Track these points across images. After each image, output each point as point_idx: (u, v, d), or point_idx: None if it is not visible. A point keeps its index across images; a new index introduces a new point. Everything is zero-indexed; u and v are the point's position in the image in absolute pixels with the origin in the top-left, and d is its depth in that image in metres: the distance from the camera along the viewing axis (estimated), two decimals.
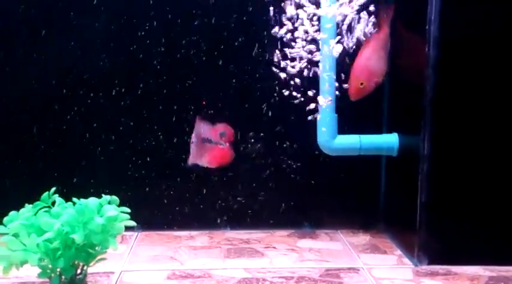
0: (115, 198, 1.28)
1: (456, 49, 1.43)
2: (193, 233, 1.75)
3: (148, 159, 1.75)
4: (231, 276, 1.40)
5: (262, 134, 1.74)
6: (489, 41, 1.42)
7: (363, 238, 1.72)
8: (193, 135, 1.70)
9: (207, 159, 1.71)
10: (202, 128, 1.70)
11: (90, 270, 1.37)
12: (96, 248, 1.24)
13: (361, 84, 1.63)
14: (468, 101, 1.44)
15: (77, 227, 1.17)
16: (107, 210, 1.22)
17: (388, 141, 1.65)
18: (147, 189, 1.76)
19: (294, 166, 1.77)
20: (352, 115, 1.69)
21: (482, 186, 1.46)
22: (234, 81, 1.72)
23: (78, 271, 1.25)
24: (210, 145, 1.71)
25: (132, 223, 1.26)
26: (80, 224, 1.17)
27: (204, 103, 1.74)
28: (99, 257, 1.25)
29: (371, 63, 1.64)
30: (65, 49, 1.69)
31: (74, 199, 1.25)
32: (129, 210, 1.27)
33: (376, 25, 1.65)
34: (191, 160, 1.71)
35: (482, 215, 1.46)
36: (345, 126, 1.65)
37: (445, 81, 1.43)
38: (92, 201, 1.23)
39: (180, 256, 1.55)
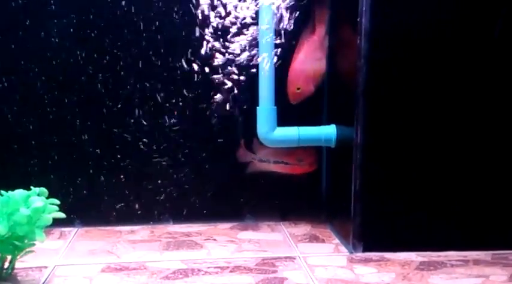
0: (44, 189, 1.26)
1: (387, 41, 1.46)
2: (135, 228, 1.74)
3: (89, 155, 1.73)
4: (167, 268, 1.39)
5: (202, 126, 1.75)
6: (419, 33, 1.46)
7: (304, 229, 1.74)
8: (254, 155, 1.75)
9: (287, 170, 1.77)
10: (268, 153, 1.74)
11: (22, 265, 1.35)
12: (24, 241, 1.22)
13: (298, 88, 1.67)
14: (399, 92, 1.48)
15: (1, 218, 1.15)
16: (34, 201, 1.20)
17: (326, 132, 1.68)
18: (88, 184, 1.74)
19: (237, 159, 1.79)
20: (293, 107, 1.72)
21: (413, 174, 1.50)
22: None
23: (6, 265, 1.23)
24: (287, 166, 1.76)
25: (61, 215, 1.25)
26: (4, 216, 1.15)
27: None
28: (26, 250, 1.23)
29: (306, 67, 1.67)
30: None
31: (1, 191, 1.23)
32: (58, 202, 1.25)
33: (310, 27, 1.69)
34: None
35: (414, 203, 1.51)
36: (286, 118, 1.67)
37: (376, 72, 1.46)
38: (19, 192, 1.21)
39: (118, 250, 1.54)
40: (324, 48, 1.69)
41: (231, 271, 1.37)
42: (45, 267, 1.40)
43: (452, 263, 1.43)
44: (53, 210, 1.24)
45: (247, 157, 1.75)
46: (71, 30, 1.66)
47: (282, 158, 1.74)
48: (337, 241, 1.62)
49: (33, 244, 1.24)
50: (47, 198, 1.26)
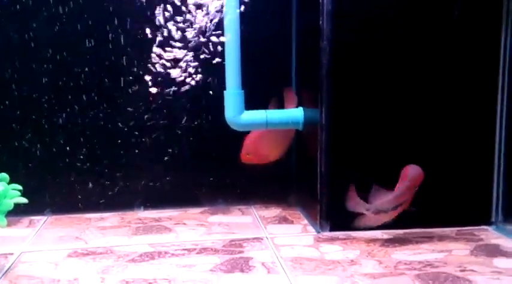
0: (5, 175, 1.25)
1: (350, 21, 1.47)
2: (105, 215, 1.74)
3: (60, 143, 1.73)
4: (134, 251, 1.40)
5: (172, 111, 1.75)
6: (382, 14, 1.47)
7: (274, 211, 1.76)
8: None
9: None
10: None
11: None
12: None
13: (248, 154, 1.71)
14: (363, 73, 1.49)
15: None
16: None
17: (294, 115, 1.68)
18: (58, 172, 1.73)
19: (207, 144, 1.79)
20: (262, 90, 1.72)
21: (378, 154, 1.51)
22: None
23: None
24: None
25: (23, 200, 1.24)
26: None
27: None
28: None
29: (260, 143, 1.70)
30: None
31: None
32: (20, 187, 1.25)
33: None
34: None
35: (380, 183, 1.52)
36: (255, 102, 1.68)
37: (340, 53, 1.47)
38: None
39: (86, 236, 1.53)
40: (287, 136, 1.73)
41: (197, 253, 1.38)
42: (11, 254, 1.39)
43: (418, 240, 1.45)
44: (14, 195, 1.23)
45: (358, 208, 1.44)
46: None
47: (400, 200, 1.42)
48: (305, 222, 1.64)
49: None
50: (9, 183, 1.25)
